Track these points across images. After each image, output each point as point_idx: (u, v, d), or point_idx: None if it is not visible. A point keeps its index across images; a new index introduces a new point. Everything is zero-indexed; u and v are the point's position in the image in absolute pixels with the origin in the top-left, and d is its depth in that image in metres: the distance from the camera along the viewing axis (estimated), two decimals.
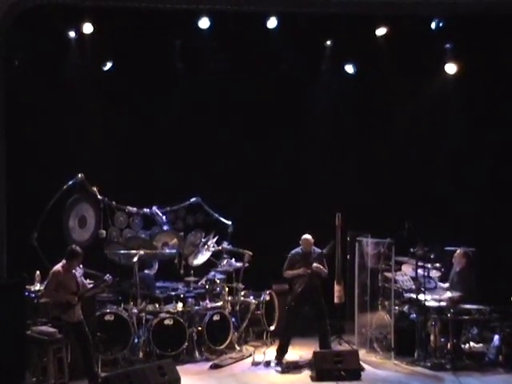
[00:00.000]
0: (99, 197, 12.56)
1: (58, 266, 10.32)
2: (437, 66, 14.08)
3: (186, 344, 11.75)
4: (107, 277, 10.56)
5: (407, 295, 12.07)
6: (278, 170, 14.39)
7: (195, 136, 14.02)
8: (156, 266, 13.02)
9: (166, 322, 11.72)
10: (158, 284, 12.70)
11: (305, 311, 11.80)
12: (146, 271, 12.78)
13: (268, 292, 13.03)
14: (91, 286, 10.66)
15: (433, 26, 13.35)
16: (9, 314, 9.19)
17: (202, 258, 13.02)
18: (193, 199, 13.40)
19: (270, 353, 11.97)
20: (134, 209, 13.06)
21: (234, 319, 12.50)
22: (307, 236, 11.65)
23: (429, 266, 11.95)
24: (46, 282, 10.59)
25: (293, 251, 11.70)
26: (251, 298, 12.89)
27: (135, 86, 13.56)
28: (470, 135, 14.10)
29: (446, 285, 12.12)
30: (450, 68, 14.01)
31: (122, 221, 13.10)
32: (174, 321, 11.75)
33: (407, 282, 12.27)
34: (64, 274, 10.25)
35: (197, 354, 11.94)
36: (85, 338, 10.29)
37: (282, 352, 11.63)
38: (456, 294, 11.63)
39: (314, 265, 11.40)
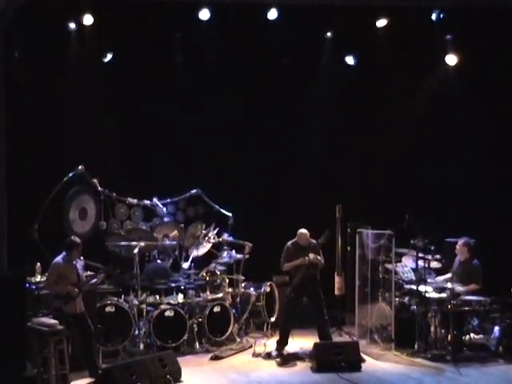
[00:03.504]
0: (100, 188, 12.56)
1: (59, 258, 10.36)
2: (437, 58, 14.07)
3: (187, 335, 11.77)
4: (101, 272, 10.63)
5: (408, 287, 12.06)
6: (278, 161, 14.38)
7: (196, 128, 14.01)
8: (172, 258, 13.03)
9: (167, 313, 11.73)
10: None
11: (304, 302, 11.80)
12: (159, 261, 12.79)
13: (268, 283, 13.06)
14: (88, 279, 10.66)
15: (433, 17, 13.33)
16: (9, 306, 9.18)
17: (202, 250, 13.03)
18: (193, 191, 13.39)
19: (271, 344, 12.00)
20: (135, 200, 13.06)
21: (234, 311, 12.51)
22: (303, 230, 11.63)
23: (429, 257, 11.97)
24: (46, 274, 10.63)
25: (289, 243, 11.70)
26: (252, 289, 12.90)
27: (135, 77, 13.53)
28: (471, 126, 14.08)
29: (445, 277, 12.12)
30: (451, 59, 13.99)
31: (123, 212, 13.13)
32: (175, 312, 11.76)
33: (408, 273, 12.28)
34: (64, 265, 10.29)
35: (197, 345, 11.96)
36: (87, 330, 10.35)
37: (282, 343, 11.65)
38: (457, 286, 11.66)
39: (311, 256, 11.40)
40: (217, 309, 12.20)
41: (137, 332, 11.70)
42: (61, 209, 12.27)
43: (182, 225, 13.29)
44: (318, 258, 11.51)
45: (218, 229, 13.10)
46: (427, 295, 11.58)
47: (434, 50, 13.92)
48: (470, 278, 11.78)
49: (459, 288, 11.65)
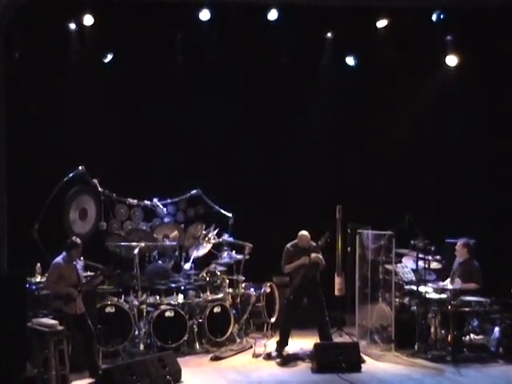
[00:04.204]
0: (100, 189, 12.54)
1: (59, 259, 10.36)
2: (438, 58, 14.07)
3: (187, 336, 11.76)
4: (99, 273, 10.73)
5: (408, 287, 12.06)
6: (278, 162, 14.38)
7: (196, 128, 14.01)
8: (173, 260, 13.03)
9: (167, 314, 11.72)
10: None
11: (304, 303, 11.79)
12: (159, 262, 12.79)
13: (268, 284, 13.04)
14: (88, 279, 10.69)
15: (434, 17, 13.33)
16: (10, 306, 9.18)
17: (202, 250, 13.03)
18: (193, 191, 13.39)
19: (271, 345, 11.99)
20: (135, 201, 13.05)
21: (234, 311, 12.51)
22: (304, 232, 11.61)
23: (429, 258, 11.97)
24: (46, 275, 10.62)
25: (288, 245, 11.67)
26: (252, 290, 12.90)
27: (136, 78, 13.54)
28: (471, 127, 14.10)
29: (446, 282, 12.12)
30: (451, 60, 13.99)
31: (123, 213, 13.12)
32: (175, 313, 11.75)
33: (408, 274, 12.28)
34: (65, 266, 10.30)
35: (197, 345, 11.95)
36: (87, 330, 10.35)
37: (282, 344, 11.64)
38: (457, 286, 11.67)
39: (313, 255, 11.38)
40: (217, 309, 12.19)
41: (137, 332, 11.69)
42: (61, 209, 12.26)
43: (182, 225, 13.30)
44: (320, 257, 11.50)
45: (218, 229, 13.10)
46: (427, 296, 11.58)
47: (434, 50, 13.92)
48: (469, 278, 11.77)
49: (458, 282, 11.65)
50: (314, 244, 11.57)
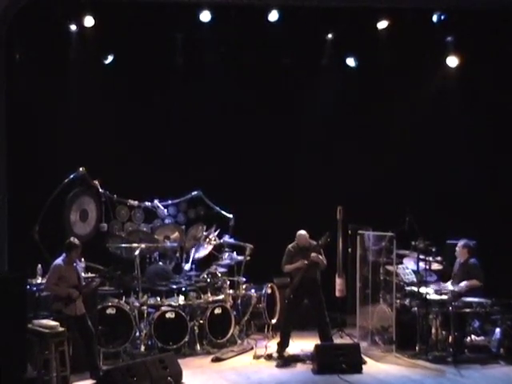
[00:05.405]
0: (100, 190, 12.54)
1: (59, 260, 10.35)
2: (438, 59, 14.08)
3: (188, 337, 11.76)
4: (97, 276, 10.79)
5: (409, 288, 12.06)
6: (279, 162, 14.40)
7: (196, 129, 14.02)
8: (174, 261, 13.04)
9: (168, 315, 11.72)
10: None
11: (304, 304, 11.80)
12: (160, 263, 12.80)
13: (269, 285, 13.05)
14: (88, 281, 10.70)
15: (434, 18, 13.35)
16: (10, 307, 9.18)
17: (203, 252, 13.03)
18: (194, 192, 13.39)
19: (272, 346, 11.97)
20: (136, 202, 13.05)
21: (235, 312, 12.50)
22: (302, 232, 11.63)
23: (430, 259, 11.96)
24: (47, 276, 10.62)
25: (289, 245, 11.68)
26: (253, 291, 12.90)
27: (136, 79, 13.55)
28: (471, 127, 14.09)
29: (448, 283, 12.11)
30: (452, 61, 14.00)
31: (124, 214, 13.12)
32: (176, 314, 11.75)
33: (409, 275, 12.28)
34: (65, 267, 10.28)
35: (198, 347, 11.94)
36: (87, 332, 10.33)
37: (283, 345, 11.63)
38: (458, 288, 11.66)
39: (313, 254, 11.37)
40: (218, 310, 12.19)
41: (138, 334, 11.69)
42: (62, 210, 12.26)
43: (183, 226, 13.30)
44: (320, 257, 11.49)
45: (218, 230, 13.10)
46: (428, 297, 11.57)
47: (435, 51, 13.93)
48: (470, 276, 11.76)
49: (461, 284, 11.65)
50: (314, 243, 11.57)
